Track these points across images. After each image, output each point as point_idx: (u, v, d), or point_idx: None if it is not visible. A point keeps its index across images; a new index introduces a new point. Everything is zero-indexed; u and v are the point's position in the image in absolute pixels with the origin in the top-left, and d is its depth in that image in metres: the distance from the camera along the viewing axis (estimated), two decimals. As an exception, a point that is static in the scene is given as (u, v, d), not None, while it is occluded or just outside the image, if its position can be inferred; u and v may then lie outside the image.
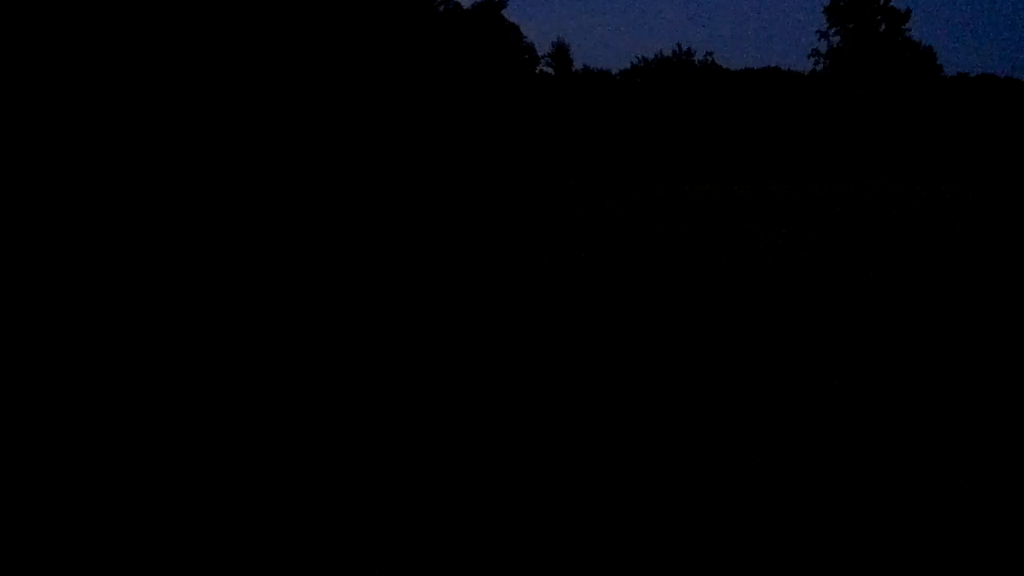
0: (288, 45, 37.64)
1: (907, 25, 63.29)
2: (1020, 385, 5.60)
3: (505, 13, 56.58)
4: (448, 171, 43.87)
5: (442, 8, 55.40)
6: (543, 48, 57.24)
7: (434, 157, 44.84)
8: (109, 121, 23.78)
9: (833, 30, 60.92)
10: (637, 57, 69.28)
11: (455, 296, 9.59)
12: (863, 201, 27.08)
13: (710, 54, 56.59)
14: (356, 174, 38.65)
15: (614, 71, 57.27)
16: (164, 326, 8.22)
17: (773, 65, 57.15)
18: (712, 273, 11.12)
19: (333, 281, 10.97)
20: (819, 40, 62.50)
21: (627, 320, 8.05)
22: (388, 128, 44.97)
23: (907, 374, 5.91)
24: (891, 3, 63.09)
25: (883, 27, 61.55)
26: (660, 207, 25.31)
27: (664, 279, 10.67)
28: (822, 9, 61.97)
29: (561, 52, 56.72)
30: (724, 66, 55.36)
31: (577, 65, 57.13)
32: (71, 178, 21.63)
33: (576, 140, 49.72)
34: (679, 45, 70.59)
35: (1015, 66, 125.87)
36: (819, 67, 59.74)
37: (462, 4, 56.42)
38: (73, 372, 6.80)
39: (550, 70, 55.98)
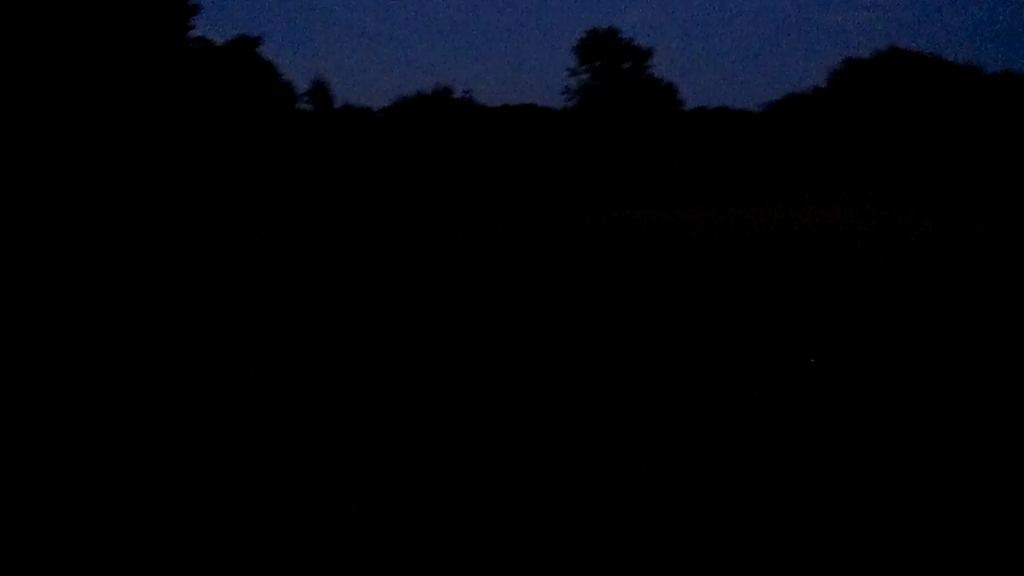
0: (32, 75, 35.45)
1: (650, 63, 68.28)
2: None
3: (261, 50, 55.13)
4: (199, 208, 41.73)
5: (192, 45, 53.07)
6: (303, 86, 56.06)
7: (183, 195, 42.56)
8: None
9: (583, 68, 64.41)
10: (398, 94, 69.61)
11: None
12: (620, 228, 29.01)
13: (468, 91, 58.21)
14: (99, 216, 35.97)
15: (376, 108, 57.33)
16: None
17: (529, 102, 59.45)
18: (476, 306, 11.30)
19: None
20: (570, 78, 65.72)
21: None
22: (134, 165, 42.39)
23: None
24: (635, 42, 67.88)
25: (628, 65, 65.90)
26: (422, 241, 25.55)
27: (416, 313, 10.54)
28: (572, 48, 65.51)
29: (321, 89, 55.96)
30: (482, 103, 57.05)
31: (338, 103, 56.60)
32: None
33: (337, 177, 49.02)
34: (439, 83, 71.85)
35: (749, 99, 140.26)
36: (571, 103, 62.87)
37: (215, 41, 54.38)
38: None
39: (309, 107, 55.02)
